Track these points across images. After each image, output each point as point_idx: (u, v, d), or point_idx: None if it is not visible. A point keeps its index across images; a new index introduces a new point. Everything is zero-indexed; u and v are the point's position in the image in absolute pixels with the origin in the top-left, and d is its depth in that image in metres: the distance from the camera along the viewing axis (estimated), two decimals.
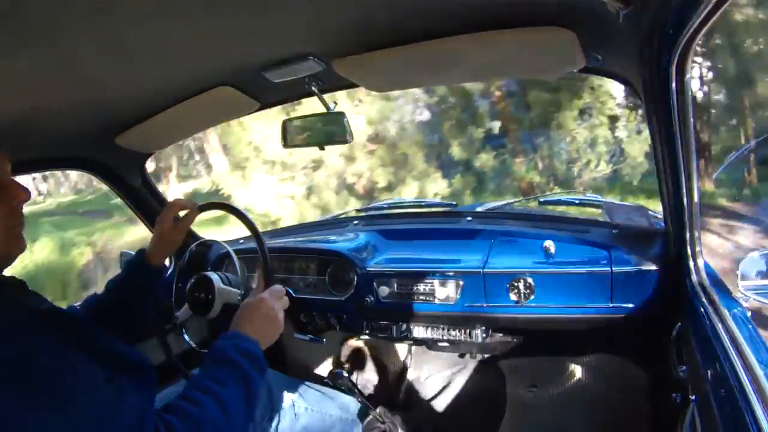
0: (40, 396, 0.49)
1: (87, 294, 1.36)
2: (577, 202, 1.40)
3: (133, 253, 1.19)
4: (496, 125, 5.76)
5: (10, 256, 0.67)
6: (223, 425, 0.61)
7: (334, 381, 1.54)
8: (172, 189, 8.44)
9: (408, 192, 5.42)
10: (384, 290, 1.29)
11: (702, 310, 0.83)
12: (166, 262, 1.07)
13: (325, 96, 1.08)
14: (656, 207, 1.16)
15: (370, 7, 0.73)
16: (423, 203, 1.81)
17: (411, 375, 1.65)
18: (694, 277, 0.93)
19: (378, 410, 1.36)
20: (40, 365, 0.51)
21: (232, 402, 0.63)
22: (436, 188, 5.52)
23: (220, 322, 1.16)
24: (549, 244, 1.19)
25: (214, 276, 1.16)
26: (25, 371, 0.50)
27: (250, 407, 0.68)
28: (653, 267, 1.08)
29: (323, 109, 1.10)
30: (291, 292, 1.39)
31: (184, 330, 1.17)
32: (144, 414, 0.56)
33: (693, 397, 0.83)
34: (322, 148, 1.17)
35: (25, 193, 0.67)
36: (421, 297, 1.26)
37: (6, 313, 0.55)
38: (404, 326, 1.34)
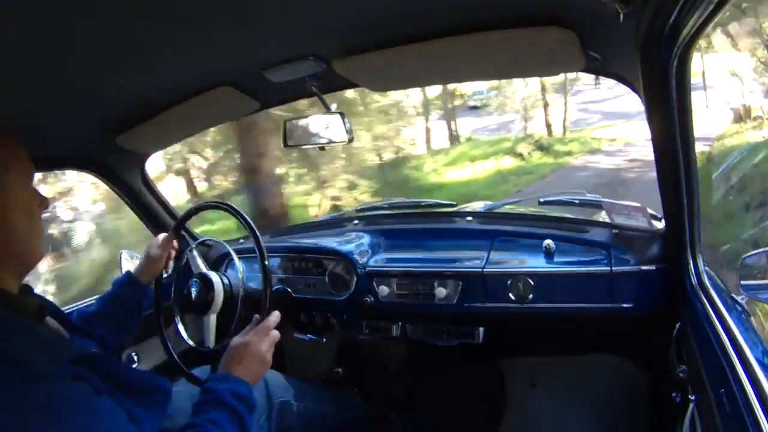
0: None
1: None
2: (577, 202, 1.40)
3: (133, 252, 1.25)
4: None
5: (36, 263, 0.70)
6: None
7: (334, 381, 1.54)
8: None
9: None
10: (383, 290, 1.29)
11: (702, 310, 0.83)
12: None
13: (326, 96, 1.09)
14: None
15: (371, 7, 0.73)
16: (423, 203, 1.80)
17: (410, 375, 1.65)
18: (693, 277, 0.93)
19: (377, 410, 1.36)
20: (76, 416, 0.54)
21: None
22: None
23: (219, 321, 1.17)
24: (549, 244, 1.19)
25: (213, 275, 1.16)
26: (61, 420, 0.53)
27: None
28: (653, 267, 1.08)
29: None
30: (290, 291, 1.39)
31: (184, 329, 1.17)
32: None
33: (693, 397, 0.83)
34: (322, 149, 1.18)
35: (47, 201, 0.72)
36: (421, 297, 1.26)
37: (44, 360, 0.57)
38: (404, 326, 1.34)
